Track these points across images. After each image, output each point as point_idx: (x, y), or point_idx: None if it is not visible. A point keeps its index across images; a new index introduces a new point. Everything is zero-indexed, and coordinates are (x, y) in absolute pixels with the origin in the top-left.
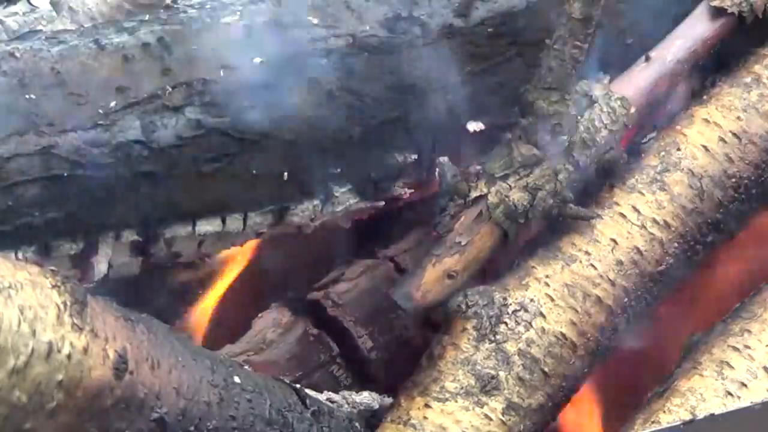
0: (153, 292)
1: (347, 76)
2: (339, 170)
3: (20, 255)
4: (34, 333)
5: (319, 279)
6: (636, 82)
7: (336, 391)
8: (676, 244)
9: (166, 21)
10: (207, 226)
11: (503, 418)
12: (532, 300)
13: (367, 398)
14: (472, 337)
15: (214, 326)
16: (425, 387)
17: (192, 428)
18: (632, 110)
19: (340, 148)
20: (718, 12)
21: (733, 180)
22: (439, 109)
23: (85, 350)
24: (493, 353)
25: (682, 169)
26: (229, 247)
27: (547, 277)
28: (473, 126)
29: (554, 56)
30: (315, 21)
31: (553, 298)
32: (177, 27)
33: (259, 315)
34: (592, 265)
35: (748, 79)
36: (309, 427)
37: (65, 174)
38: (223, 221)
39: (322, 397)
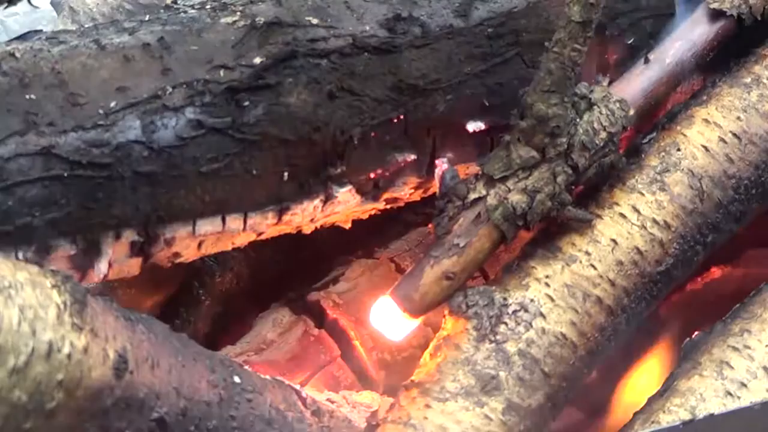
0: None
1: (347, 76)
2: (339, 170)
3: (20, 255)
4: (34, 332)
5: (319, 279)
6: (635, 84)
7: (336, 391)
8: (676, 245)
9: (166, 21)
10: (207, 226)
11: (503, 419)
12: (532, 300)
13: (367, 398)
14: (472, 337)
15: (214, 326)
16: (425, 387)
17: (192, 428)
18: (631, 112)
19: (340, 148)
20: (717, 14)
21: (733, 180)
22: (439, 109)
23: (85, 350)
24: (493, 353)
25: (682, 169)
26: (229, 247)
27: (547, 277)
28: (473, 126)
29: (553, 59)
30: (315, 21)
31: (553, 299)
32: (177, 27)
33: (259, 315)
34: (592, 266)
35: (748, 80)
36: (309, 427)
37: (65, 174)
38: (223, 221)
39: (322, 397)
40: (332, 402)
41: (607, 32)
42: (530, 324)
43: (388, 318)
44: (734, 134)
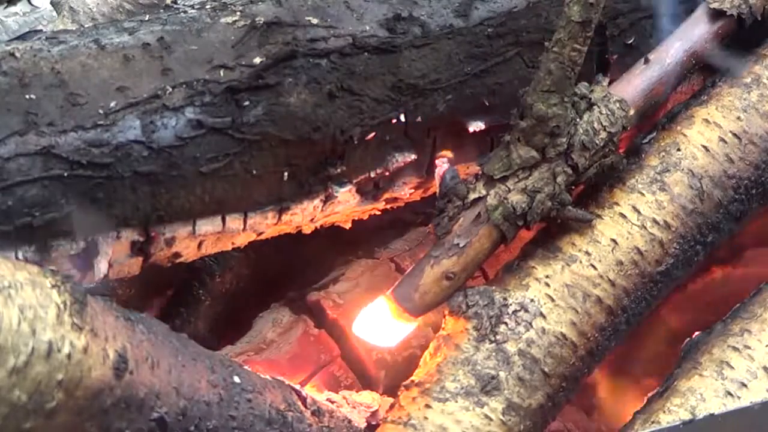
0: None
1: (347, 76)
2: (339, 170)
3: (20, 255)
4: (34, 332)
5: (319, 279)
6: (635, 84)
7: (336, 391)
8: (676, 245)
9: (166, 21)
10: (207, 226)
11: (503, 419)
12: (532, 300)
13: (367, 398)
14: (472, 337)
15: (214, 326)
16: (425, 387)
17: (192, 428)
18: (631, 112)
19: (340, 148)
20: (717, 14)
21: (733, 180)
22: (439, 109)
23: (85, 350)
24: (494, 353)
25: (682, 169)
26: (229, 247)
27: (547, 277)
28: (473, 126)
29: (553, 59)
30: (315, 21)
31: (554, 299)
32: (177, 27)
33: (259, 315)
34: (593, 266)
35: (748, 80)
36: (309, 427)
37: (65, 174)
38: (223, 221)
39: (322, 397)
40: (332, 402)
41: (607, 32)
42: (530, 324)
43: (381, 322)
44: (734, 134)
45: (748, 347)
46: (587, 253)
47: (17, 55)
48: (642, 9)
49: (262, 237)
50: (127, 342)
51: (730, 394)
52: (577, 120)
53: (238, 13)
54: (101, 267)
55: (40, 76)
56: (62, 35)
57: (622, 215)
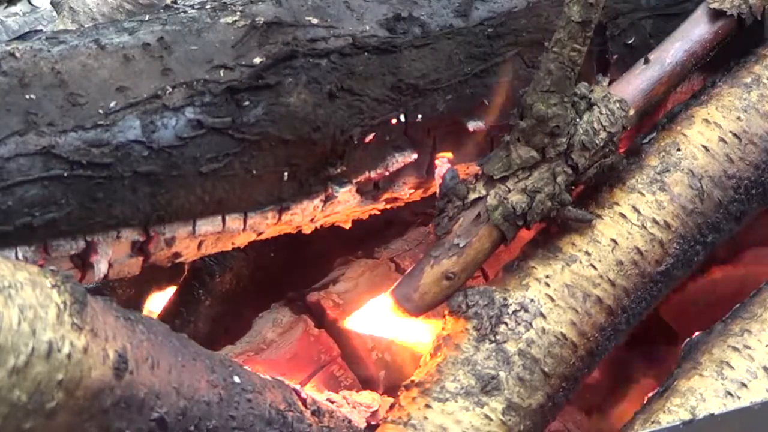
0: None
1: (347, 76)
2: (339, 170)
3: (20, 255)
4: (34, 332)
5: (319, 279)
6: (635, 84)
7: (336, 391)
8: (676, 245)
9: (166, 21)
10: (207, 226)
11: (503, 419)
12: (532, 300)
13: (367, 398)
14: (473, 337)
15: (214, 326)
16: (425, 387)
17: (192, 428)
18: (631, 112)
19: (340, 148)
20: (717, 14)
21: (733, 180)
22: (439, 109)
23: (85, 350)
24: (494, 353)
25: (682, 169)
26: (229, 247)
27: (547, 277)
28: (473, 126)
29: (553, 59)
30: (315, 21)
31: (554, 299)
32: (177, 27)
33: (259, 315)
34: (593, 266)
35: (748, 80)
36: (309, 427)
37: (65, 174)
38: (223, 221)
39: (322, 397)
40: (332, 402)
41: (607, 32)
42: (530, 324)
43: (384, 317)
44: (734, 134)
45: (748, 347)
46: (587, 253)
47: (17, 55)
48: (642, 9)
49: (262, 237)
50: (127, 342)
51: (730, 394)
52: (577, 120)
53: (238, 13)
54: (101, 267)
55: (40, 76)
56: (62, 35)
57: (622, 215)
